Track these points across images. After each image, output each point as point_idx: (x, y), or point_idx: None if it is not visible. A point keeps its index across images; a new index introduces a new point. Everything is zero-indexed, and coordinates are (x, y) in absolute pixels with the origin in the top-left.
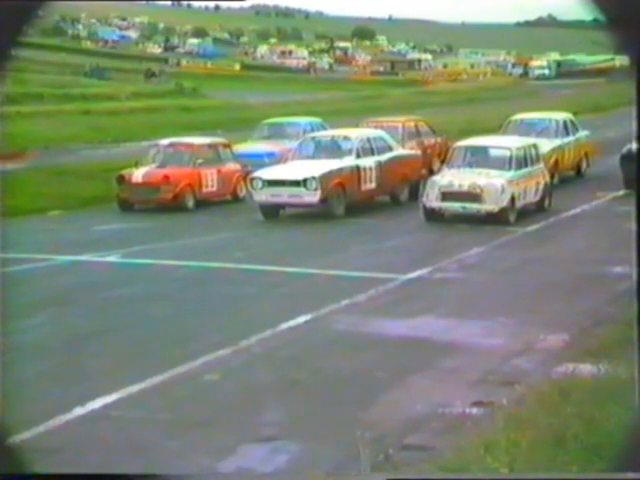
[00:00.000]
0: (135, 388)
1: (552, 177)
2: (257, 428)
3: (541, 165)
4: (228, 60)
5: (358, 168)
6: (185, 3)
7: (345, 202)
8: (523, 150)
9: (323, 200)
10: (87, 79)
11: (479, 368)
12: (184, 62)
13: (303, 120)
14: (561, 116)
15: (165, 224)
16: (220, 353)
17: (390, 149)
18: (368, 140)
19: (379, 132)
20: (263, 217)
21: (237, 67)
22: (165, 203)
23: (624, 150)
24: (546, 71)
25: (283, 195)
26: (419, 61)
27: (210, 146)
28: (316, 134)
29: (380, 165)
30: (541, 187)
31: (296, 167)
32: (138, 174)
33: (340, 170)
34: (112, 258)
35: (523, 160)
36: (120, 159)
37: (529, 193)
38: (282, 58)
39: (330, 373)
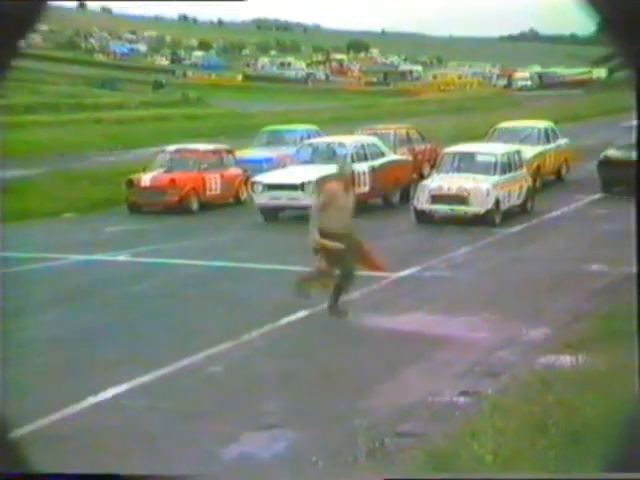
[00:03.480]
0: (144, 379)
1: (535, 181)
2: (258, 417)
3: (524, 170)
4: (231, 71)
5: (352, 173)
6: (191, 18)
7: None
8: (507, 156)
9: None
10: (99, 90)
11: (466, 360)
12: (190, 73)
13: (300, 128)
14: (543, 124)
15: (171, 225)
16: (223, 346)
17: (382, 155)
18: (362, 146)
19: (372, 139)
20: (263, 219)
21: (239, 78)
22: (171, 206)
23: (601, 156)
24: (528, 82)
25: (282, 198)
26: (410, 72)
27: (214, 152)
28: (313, 141)
29: (373, 170)
30: (524, 190)
31: (294, 172)
32: (146, 178)
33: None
34: (122, 257)
35: (507, 165)
36: (130, 164)
37: (513, 196)
38: (281, 69)
39: (327, 365)
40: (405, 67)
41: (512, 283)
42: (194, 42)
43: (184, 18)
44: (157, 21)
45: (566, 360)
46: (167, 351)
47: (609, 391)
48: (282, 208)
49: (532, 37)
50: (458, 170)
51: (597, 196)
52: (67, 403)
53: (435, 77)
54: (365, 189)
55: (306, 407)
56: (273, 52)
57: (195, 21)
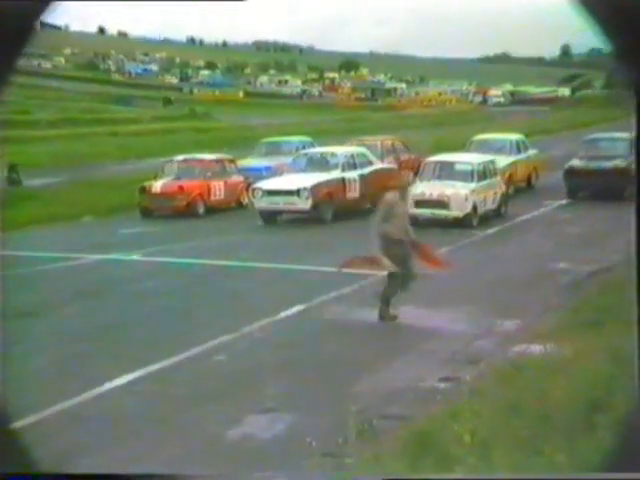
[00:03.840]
0: (155, 367)
1: (508, 188)
2: (259, 401)
3: (498, 178)
4: (234, 88)
5: (343, 180)
6: (198, 40)
7: (333, 209)
8: (483, 165)
9: (314, 207)
10: (115, 106)
11: (448, 349)
12: (196, 90)
13: (296, 139)
14: (514, 137)
15: (180, 228)
16: (226, 338)
17: (371, 164)
18: (352, 156)
19: (361, 149)
20: (263, 222)
21: (241, 94)
22: (180, 210)
23: (566, 166)
24: (501, 99)
25: (280, 203)
26: (395, 89)
27: (218, 161)
28: (308, 151)
29: (363, 177)
30: (498, 196)
31: (291, 179)
32: (157, 185)
33: (328, 182)
34: (135, 257)
35: (483, 173)
36: (142, 173)
37: (488, 201)
38: (279, 86)
39: (321, 355)
40: (391, 85)
41: (488, 280)
42: (201, 62)
43: (192, 41)
44: (167, 43)
45: (536, 348)
46: (175, 342)
47: (575, 376)
48: (280, 212)
49: (505, 59)
50: (439, 178)
51: (563, 201)
52: (86, 389)
53: (418, 94)
54: (355, 195)
55: (303, 393)
56: (272, 71)
57: (202, 43)
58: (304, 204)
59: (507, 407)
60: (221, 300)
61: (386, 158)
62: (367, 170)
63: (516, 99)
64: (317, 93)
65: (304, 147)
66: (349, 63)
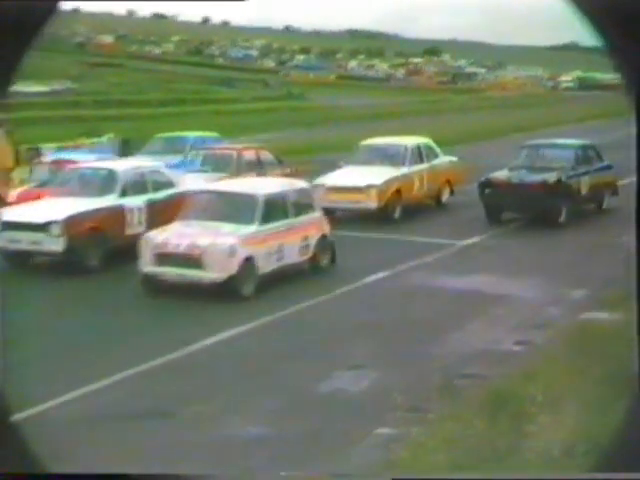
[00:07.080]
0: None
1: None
2: (347, 359)
3: (315, 214)
4: (326, 72)
5: (122, 208)
6: (294, 28)
7: (101, 251)
8: (283, 195)
9: (69, 249)
10: (218, 87)
11: (520, 315)
12: (292, 73)
13: (192, 135)
14: (413, 141)
15: None
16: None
17: (171, 185)
18: (141, 175)
19: (156, 164)
20: (8, 265)
21: (333, 77)
22: None
23: (482, 179)
24: (571, 84)
25: (22, 241)
26: (475, 74)
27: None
28: (78, 166)
29: (152, 205)
30: (313, 242)
31: (42, 207)
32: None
33: (97, 211)
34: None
35: (281, 209)
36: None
37: (289, 252)
38: (367, 70)
39: (404, 318)
40: (471, 70)
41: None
42: (296, 48)
43: (287, 29)
44: (266, 32)
45: (603, 316)
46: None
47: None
48: (28, 253)
49: (575, 47)
50: (204, 217)
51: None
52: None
53: (496, 78)
54: (139, 230)
55: (387, 352)
56: (361, 56)
57: (298, 31)
58: (55, 244)
59: (574, 369)
60: None
61: (245, 174)
62: (161, 195)
63: (584, 84)
64: (402, 76)
65: (203, 144)
66: (432, 49)
